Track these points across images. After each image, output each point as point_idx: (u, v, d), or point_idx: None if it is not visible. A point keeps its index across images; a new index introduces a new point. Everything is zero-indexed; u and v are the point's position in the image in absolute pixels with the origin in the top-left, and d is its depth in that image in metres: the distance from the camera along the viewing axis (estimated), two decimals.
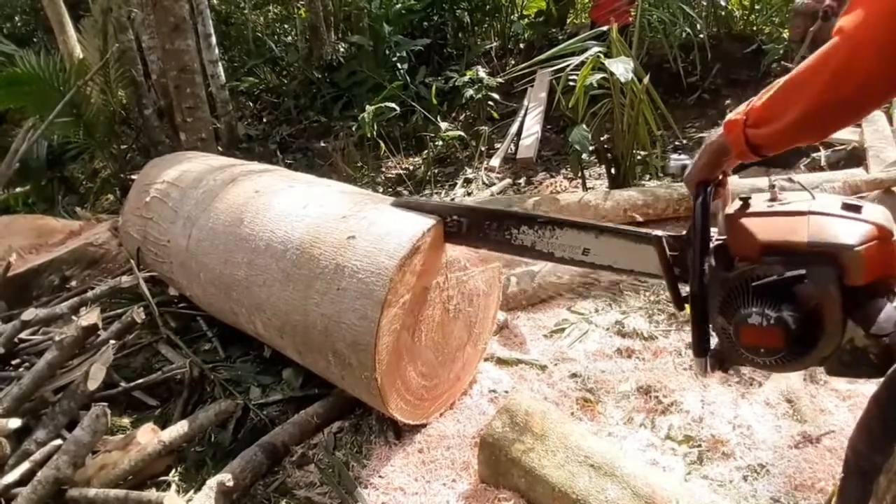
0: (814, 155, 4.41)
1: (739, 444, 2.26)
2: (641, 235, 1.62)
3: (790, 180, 1.25)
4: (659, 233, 1.51)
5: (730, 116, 1.14)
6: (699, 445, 2.28)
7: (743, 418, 2.36)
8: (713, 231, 1.26)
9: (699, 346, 1.26)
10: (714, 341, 1.27)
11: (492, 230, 2.07)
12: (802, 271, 1.06)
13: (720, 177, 1.25)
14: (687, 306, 1.31)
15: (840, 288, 1.06)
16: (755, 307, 1.10)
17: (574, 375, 2.71)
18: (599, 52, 4.07)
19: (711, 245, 1.24)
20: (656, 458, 2.23)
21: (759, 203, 1.19)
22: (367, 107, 5.34)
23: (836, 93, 0.97)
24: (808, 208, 1.12)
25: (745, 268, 1.14)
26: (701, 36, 5.68)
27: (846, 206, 1.10)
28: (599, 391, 2.61)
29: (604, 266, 1.79)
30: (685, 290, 1.31)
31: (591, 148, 4.41)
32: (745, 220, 1.17)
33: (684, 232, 1.41)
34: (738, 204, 1.21)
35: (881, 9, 0.91)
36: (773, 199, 1.18)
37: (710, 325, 1.25)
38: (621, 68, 3.78)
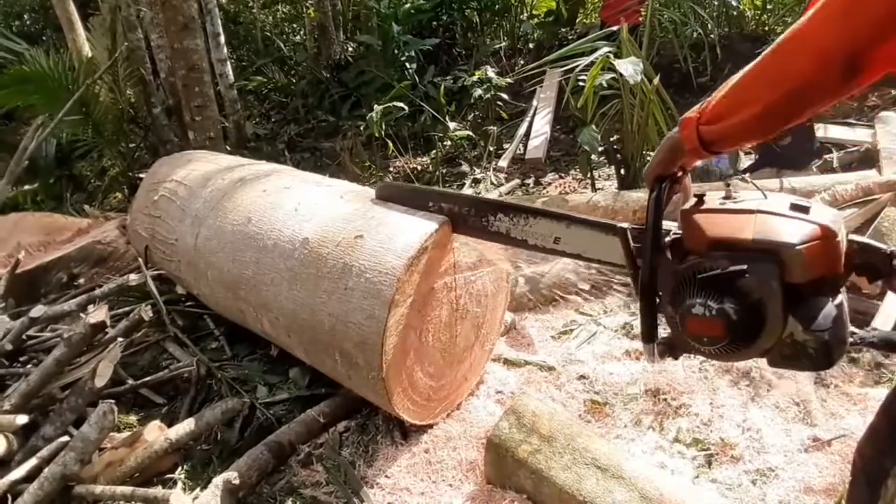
0: (826, 157, 4.39)
1: (748, 447, 2.24)
2: (608, 226, 1.69)
3: (744, 180, 1.28)
4: (624, 225, 1.57)
5: (686, 114, 1.18)
6: (708, 449, 2.26)
7: (752, 422, 2.34)
8: (673, 225, 1.32)
9: (647, 333, 1.32)
10: (665, 330, 1.32)
11: (470, 216, 2.16)
12: (744, 266, 1.11)
13: (678, 173, 1.29)
14: None
15: (782, 284, 1.10)
16: (699, 298, 1.14)
17: (582, 377, 2.70)
18: (609, 52, 4.05)
19: (668, 239, 1.29)
20: (664, 462, 2.22)
21: (712, 200, 1.24)
22: (376, 106, 5.33)
23: (779, 94, 1.00)
24: (757, 207, 1.16)
25: (695, 261, 1.19)
26: (712, 36, 5.66)
27: (794, 207, 1.14)
28: (607, 393, 2.60)
29: (573, 254, 1.87)
30: None
31: (600, 149, 4.39)
32: (698, 216, 1.21)
33: None
34: (693, 201, 1.26)
35: (821, 14, 0.93)
36: (727, 197, 1.23)
37: (663, 315, 1.30)
38: (630, 69, 3.75)
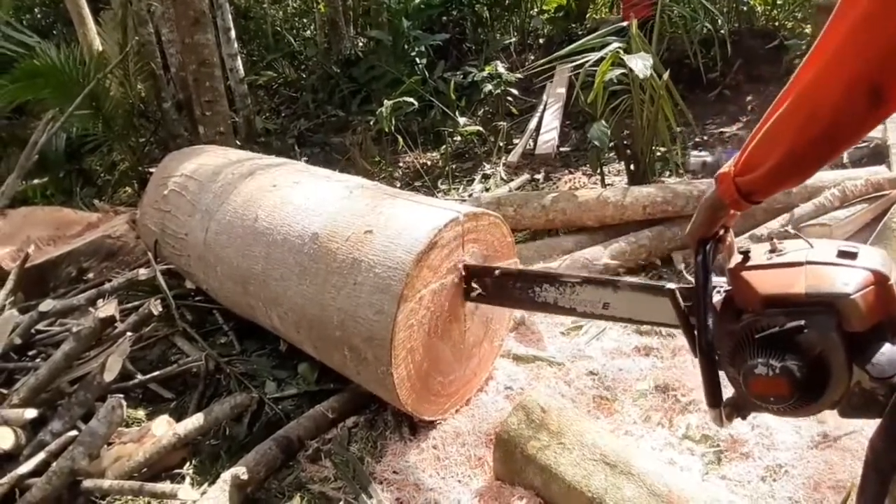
0: None
1: (758, 444, 2.22)
2: (657, 288, 1.72)
3: (788, 231, 1.26)
4: (672, 286, 1.58)
5: (721, 170, 1.19)
6: (717, 445, 2.25)
7: (762, 418, 2.31)
8: (723, 282, 1.32)
9: (712, 397, 1.31)
10: (728, 391, 1.31)
11: (515, 288, 2.20)
12: (802, 322, 1.10)
13: (721, 232, 1.30)
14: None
15: (841, 335, 1.08)
16: (760, 358, 1.13)
17: (591, 373, 2.68)
18: (619, 47, 4.02)
19: (718, 297, 1.29)
20: (673, 458, 2.20)
21: (758, 255, 1.23)
22: (386, 101, 5.32)
23: (810, 134, 1.00)
24: (805, 258, 1.15)
25: (750, 319, 1.18)
26: (722, 31, 5.61)
27: (842, 254, 1.13)
28: (617, 389, 2.58)
29: (624, 319, 1.90)
30: None
31: (610, 144, 4.36)
32: (746, 274, 1.21)
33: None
34: (738, 258, 1.26)
35: (842, 42, 0.92)
36: (772, 251, 1.22)
37: (725, 375, 1.29)
38: (640, 64, 3.72)
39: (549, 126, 5.88)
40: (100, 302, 3.03)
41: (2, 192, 3.61)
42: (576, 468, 1.96)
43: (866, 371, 1.07)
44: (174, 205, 3.25)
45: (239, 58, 6.96)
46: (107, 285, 3.25)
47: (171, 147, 5.56)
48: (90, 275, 3.78)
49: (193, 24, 4.62)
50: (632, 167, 4.47)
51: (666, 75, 3.93)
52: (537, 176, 5.36)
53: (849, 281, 1.09)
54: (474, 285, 2.33)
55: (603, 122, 4.21)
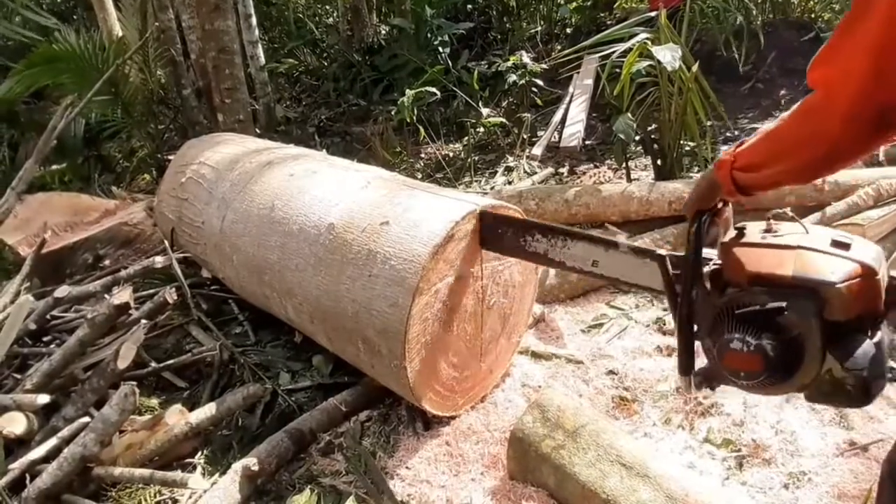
0: None
1: (781, 450, 2.15)
2: (647, 252, 1.74)
3: (785, 213, 1.29)
4: (663, 252, 1.59)
5: (721, 155, 1.20)
6: (739, 450, 2.18)
7: (786, 423, 2.25)
8: (714, 256, 1.33)
9: (685, 365, 1.33)
10: (701, 361, 1.33)
11: (507, 235, 2.18)
12: (783, 304, 1.12)
13: (718, 205, 1.31)
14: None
15: (820, 321, 1.11)
16: (738, 333, 1.16)
17: (611, 372, 2.62)
18: (647, 38, 3.92)
19: (708, 269, 1.31)
20: (693, 462, 2.14)
21: (753, 233, 1.25)
22: (407, 91, 5.25)
23: (810, 153, 1.02)
24: (798, 243, 1.17)
25: (734, 294, 1.21)
26: (756, 23, 5.45)
27: (835, 243, 1.15)
28: (637, 390, 2.52)
29: (611, 279, 1.93)
30: None
31: (636, 138, 4.26)
32: (738, 250, 1.23)
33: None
34: (733, 233, 1.28)
35: (848, 67, 0.92)
36: (767, 231, 1.24)
37: (700, 345, 1.32)
38: (668, 55, 3.62)
39: (574, 118, 5.77)
40: (115, 289, 3.02)
41: (19, 178, 3.61)
42: (591, 469, 1.91)
43: (839, 360, 1.10)
44: (191, 193, 3.23)
45: (260, 45, 6.92)
46: (123, 272, 3.24)
47: (190, 134, 5.55)
48: (106, 262, 3.78)
49: (213, 11, 4.59)
50: (658, 162, 4.37)
51: (695, 67, 3.82)
52: (561, 169, 5.27)
53: (836, 270, 1.10)
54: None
55: (629, 114, 4.11)
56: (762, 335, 1.13)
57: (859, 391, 1.10)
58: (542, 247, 2.07)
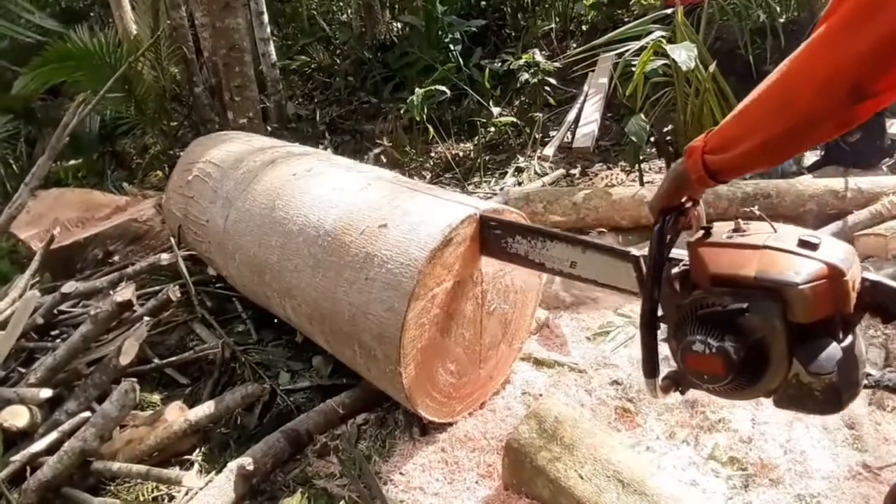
0: None
1: (790, 470, 2.08)
2: (623, 253, 1.74)
3: (753, 212, 1.22)
4: (637, 253, 1.59)
5: (692, 142, 1.16)
6: (745, 469, 2.11)
7: (796, 442, 2.17)
8: (684, 257, 1.29)
9: (649, 368, 1.29)
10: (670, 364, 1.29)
11: (490, 237, 2.19)
12: (745, 305, 1.08)
13: (686, 204, 1.26)
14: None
15: (785, 324, 1.06)
16: (699, 335, 1.12)
17: (615, 382, 2.56)
18: (662, 36, 3.83)
19: (677, 270, 1.27)
20: (696, 479, 2.08)
21: (719, 233, 1.21)
22: (417, 89, 5.21)
23: (783, 126, 0.98)
24: (764, 242, 1.12)
25: (697, 295, 1.17)
26: (779, 21, 5.32)
27: (802, 243, 1.10)
28: (641, 401, 2.45)
29: (588, 280, 1.91)
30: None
31: (651, 139, 4.17)
32: (703, 250, 1.19)
33: None
34: (700, 233, 1.24)
35: (823, 39, 0.90)
36: (735, 230, 1.19)
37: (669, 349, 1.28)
38: (683, 55, 3.53)
39: (588, 118, 5.70)
40: (121, 285, 3.02)
41: (32, 174, 3.64)
42: (586, 483, 1.87)
43: (803, 364, 1.06)
44: (197, 191, 3.23)
45: (271, 42, 6.88)
46: (129, 269, 3.25)
47: (202, 132, 5.55)
48: (116, 258, 3.80)
49: (224, 8, 4.59)
50: (672, 165, 4.28)
51: (713, 67, 3.72)
52: (573, 171, 5.20)
53: (800, 271, 1.05)
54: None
55: (642, 115, 4.02)
56: (724, 337, 1.09)
57: (829, 397, 1.06)
58: (523, 248, 2.08)
